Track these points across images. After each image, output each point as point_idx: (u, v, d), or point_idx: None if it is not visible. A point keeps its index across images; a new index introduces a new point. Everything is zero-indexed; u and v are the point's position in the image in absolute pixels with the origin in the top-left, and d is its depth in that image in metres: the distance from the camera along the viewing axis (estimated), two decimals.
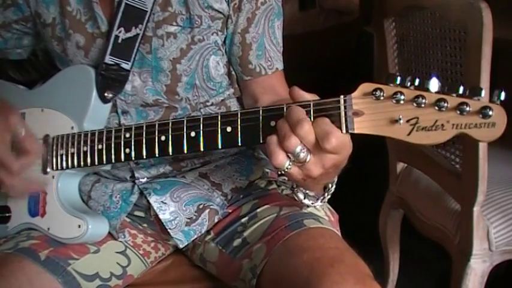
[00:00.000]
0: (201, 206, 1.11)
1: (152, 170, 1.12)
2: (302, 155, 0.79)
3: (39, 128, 1.07)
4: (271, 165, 0.84)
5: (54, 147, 1.05)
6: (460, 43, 1.31)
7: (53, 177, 1.06)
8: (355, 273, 0.88)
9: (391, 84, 0.77)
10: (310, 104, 0.81)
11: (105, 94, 1.06)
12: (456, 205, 1.46)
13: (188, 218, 1.11)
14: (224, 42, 1.11)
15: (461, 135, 0.74)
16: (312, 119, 0.80)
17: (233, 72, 1.15)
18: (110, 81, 1.06)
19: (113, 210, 1.12)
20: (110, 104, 1.07)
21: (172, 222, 1.10)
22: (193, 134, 0.90)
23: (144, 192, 1.11)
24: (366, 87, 0.78)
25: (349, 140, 0.81)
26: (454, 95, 0.74)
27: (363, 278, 0.88)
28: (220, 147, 0.88)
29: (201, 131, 0.89)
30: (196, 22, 1.05)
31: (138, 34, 1.04)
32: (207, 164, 1.15)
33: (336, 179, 0.89)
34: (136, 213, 1.15)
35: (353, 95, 0.79)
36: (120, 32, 1.04)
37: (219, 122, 0.87)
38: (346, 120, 0.79)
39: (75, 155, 1.02)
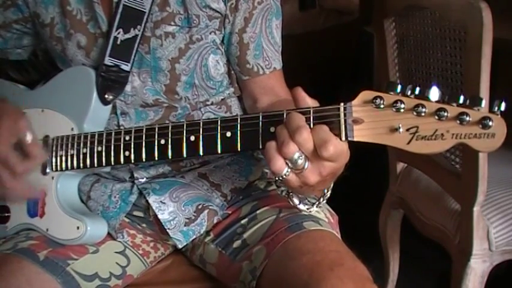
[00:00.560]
0: (200, 206, 1.11)
1: (151, 170, 1.12)
2: (300, 161, 0.79)
3: (39, 128, 1.07)
4: (269, 171, 0.84)
5: (54, 148, 1.05)
6: (460, 43, 1.31)
7: (53, 178, 1.06)
8: (355, 277, 0.88)
9: (392, 93, 0.77)
10: (310, 111, 0.81)
11: (106, 96, 1.06)
12: (456, 205, 1.46)
13: (187, 218, 1.10)
14: (223, 41, 1.10)
15: (460, 145, 0.74)
16: (312, 126, 0.80)
17: (233, 72, 1.15)
18: (110, 83, 1.06)
19: (112, 210, 1.12)
20: (110, 106, 1.07)
21: (171, 222, 1.10)
22: (192, 138, 0.89)
23: (143, 192, 1.11)
24: (366, 95, 0.78)
25: (347, 148, 0.81)
26: (454, 104, 0.74)
27: (362, 281, 0.88)
28: (219, 152, 0.88)
29: (201, 136, 0.89)
30: (194, 21, 1.05)
31: (136, 35, 1.04)
32: (206, 165, 1.14)
33: (331, 185, 0.88)
34: (136, 213, 1.15)
35: (353, 102, 0.79)
36: (119, 33, 1.04)
37: (219, 127, 0.87)
38: (345, 128, 0.79)
39: (75, 156, 1.02)
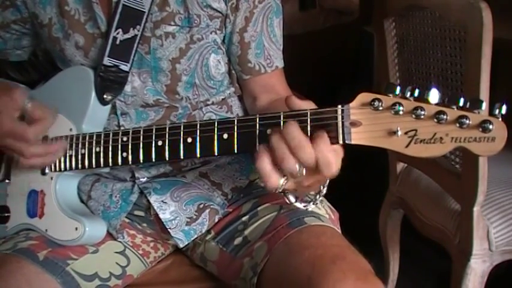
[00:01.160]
0: (201, 206, 1.11)
1: (152, 170, 1.12)
2: (299, 172, 0.79)
3: None
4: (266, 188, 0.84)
5: None
6: (460, 43, 1.31)
7: (51, 178, 1.06)
8: (357, 270, 0.88)
9: (390, 94, 0.76)
10: (307, 113, 0.80)
11: (104, 96, 1.05)
12: (456, 205, 1.46)
13: (188, 218, 1.10)
14: (223, 41, 1.10)
15: (460, 148, 0.73)
16: (310, 129, 0.79)
17: (233, 71, 1.15)
18: (109, 83, 1.05)
19: (113, 210, 1.12)
20: (109, 106, 1.07)
21: (173, 221, 1.10)
22: (189, 139, 0.89)
23: (144, 192, 1.11)
24: (364, 97, 0.77)
25: (342, 154, 0.80)
26: (454, 107, 0.73)
27: (364, 274, 0.88)
28: (216, 153, 0.87)
29: (198, 137, 0.88)
30: (195, 21, 1.05)
31: (136, 35, 1.04)
32: (207, 164, 1.14)
33: (327, 181, 0.88)
34: (136, 212, 1.15)
35: (351, 104, 0.78)
36: (118, 33, 1.04)
37: (216, 129, 0.87)
38: (343, 131, 0.78)
39: (73, 157, 1.02)
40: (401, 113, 0.75)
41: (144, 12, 1.04)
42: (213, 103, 1.14)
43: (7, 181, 1.12)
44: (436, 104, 0.74)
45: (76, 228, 1.03)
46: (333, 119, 0.79)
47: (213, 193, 1.13)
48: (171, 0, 1.05)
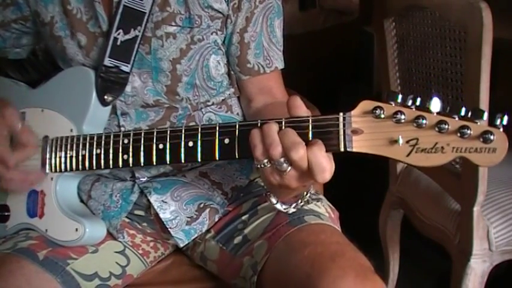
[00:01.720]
0: (201, 205, 1.11)
1: (152, 169, 1.12)
2: (284, 165, 0.79)
3: (39, 128, 1.07)
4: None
5: (53, 149, 1.05)
6: (460, 43, 1.31)
7: (52, 179, 1.06)
8: (356, 267, 0.88)
9: (392, 103, 0.76)
10: (308, 120, 0.80)
11: (105, 97, 1.05)
12: (456, 205, 1.46)
13: (189, 217, 1.11)
14: (224, 41, 1.10)
15: (461, 158, 0.74)
16: (311, 136, 0.80)
17: (233, 72, 1.15)
18: (110, 84, 1.05)
19: (114, 209, 1.12)
20: (109, 107, 1.07)
21: (173, 221, 1.10)
22: (191, 143, 0.89)
23: (145, 191, 1.11)
24: (366, 104, 0.77)
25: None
26: (456, 117, 0.73)
27: (364, 271, 0.88)
28: (217, 158, 0.87)
29: (199, 141, 0.88)
30: (196, 22, 1.05)
31: (137, 36, 1.04)
32: (207, 163, 1.14)
33: (311, 188, 0.88)
34: (136, 212, 1.15)
35: (352, 112, 0.78)
36: (118, 33, 1.04)
37: (217, 133, 0.87)
38: (344, 139, 0.78)
39: (74, 158, 1.02)
40: (402, 121, 0.75)
41: (145, 12, 1.04)
42: (213, 104, 1.13)
43: None
44: (438, 113, 0.74)
45: (76, 229, 1.03)
46: (335, 127, 0.79)
47: (213, 192, 1.13)
48: (172, 0, 1.04)
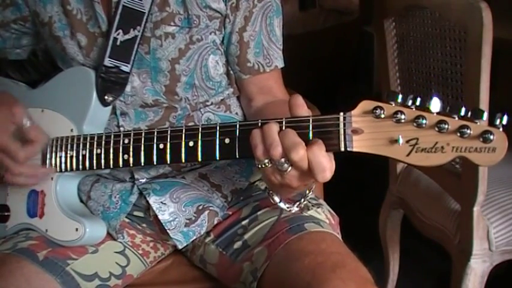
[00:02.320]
0: (200, 207, 1.11)
1: (152, 171, 1.12)
2: (285, 166, 0.79)
3: None
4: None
5: (54, 149, 1.05)
6: (460, 43, 1.31)
7: (52, 179, 1.06)
8: (357, 279, 0.88)
9: (392, 102, 0.76)
10: (309, 120, 0.80)
11: (105, 97, 1.05)
12: (456, 205, 1.46)
13: (187, 219, 1.10)
14: (222, 41, 1.10)
15: (461, 158, 0.74)
16: (311, 136, 0.80)
17: (232, 72, 1.15)
18: (110, 84, 1.05)
19: (113, 210, 1.12)
20: (109, 107, 1.07)
21: (172, 222, 1.10)
22: (191, 143, 0.89)
23: (144, 193, 1.11)
24: (366, 104, 0.78)
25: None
26: (455, 116, 0.73)
27: (364, 283, 0.89)
28: (218, 158, 0.87)
29: (200, 141, 0.88)
30: (195, 22, 1.05)
31: (136, 36, 1.04)
32: (207, 165, 1.14)
33: (313, 185, 0.88)
34: (136, 213, 1.15)
35: (353, 112, 0.78)
36: (118, 34, 1.04)
37: (218, 133, 0.87)
38: (344, 139, 0.78)
39: (74, 158, 1.02)
40: (403, 121, 0.75)
41: (144, 12, 1.04)
42: (212, 104, 1.13)
43: None
44: (438, 113, 0.74)
45: (76, 229, 1.03)
46: (335, 127, 0.79)
47: (213, 195, 1.13)
48: (171, 0, 1.04)
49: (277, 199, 0.89)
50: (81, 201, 1.13)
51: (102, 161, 0.99)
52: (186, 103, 1.10)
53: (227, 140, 0.86)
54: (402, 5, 1.53)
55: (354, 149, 0.78)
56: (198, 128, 0.89)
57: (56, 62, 1.17)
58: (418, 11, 1.47)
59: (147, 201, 1.11)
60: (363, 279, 0.89)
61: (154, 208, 1.10)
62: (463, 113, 0.73)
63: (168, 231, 1.10)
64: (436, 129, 0.74)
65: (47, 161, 1.05)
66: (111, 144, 0.98)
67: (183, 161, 0.90)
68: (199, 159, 0.89)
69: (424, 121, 0.74)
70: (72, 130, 1.05)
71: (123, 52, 1.04)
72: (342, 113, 0.79)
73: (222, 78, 1.14)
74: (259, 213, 1.08)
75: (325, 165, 0.77)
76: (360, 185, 2.50)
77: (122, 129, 1.09)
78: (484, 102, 1.24)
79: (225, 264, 1.07)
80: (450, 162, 0.74)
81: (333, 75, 3.06)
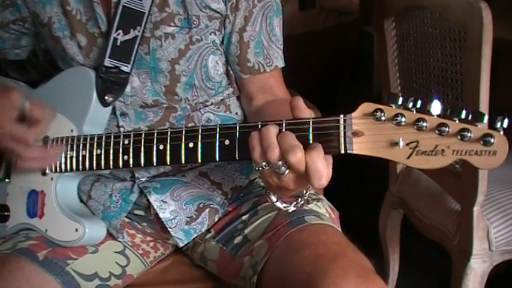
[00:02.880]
0: (201, 205, 1.11)
1: (152, 170, 1.12)
2: (282, 168, 0.79)
3: None
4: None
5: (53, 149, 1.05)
6: (460, 43, 1.31)
7: (52, 179, 1.06)
8: (357, 268, 0.88)
9: (393, 105, 0.76)
10: (309, 122, 0.80)
11: (106, 97, 1.05)
12: (456, 205, 1.46)
13: (188, 217, 1.11)
14: (222, 41, 1.10)
15: (461, 161, 0.74)
16: (311, 137, 0.80)
17: (231, 72, 1.15)
18: (110, 84, 1.05)
19: (113, 209, 1.12)
20: (110, 108, 1.07)
21: (173, 221, 1.10)
22: (191, 144, 0.89)
23: (144, 191, 1.11)
24: (366, 107, 0.77)
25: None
26: (456, 119, 0.73)
27: (365, 272, 0.88)
28: (218, 159, 0.87)
29: (199, 143, 0.88)
30: (194, 22, 1.05)
31: (136, 36, 1.04)
32: (207, 163, 1.14)
33: (310, 188, 0.87)
34: (136, 212, 1.15)
35: (353, 114, 0.78)
36: (118, 34, 1.04)
37: (218, 134, 0.87)
38: (345, 141, 0.78)
39: (74, 158, 1.02)
40: (403, 124, 0.75)
41: (144, 13, 1.04)
42: (211, 104, 1.13)
43: (7, 180, 1.12)
44: (438, 116, 0.74)
45: (76, 230, 1.03)
46: (335, 129, 0.79)
47: (213, 192, 1.13)
48: (170, 1, 1.04)
49: (274, 198, 0.89)
50: (81, 201, 1.13)
51: (102, 162, 0.99)
52: (186, 103, 1.10)
53: (227, 142, 0.86)
54: (402, 5, 1.53)
55: (354, 152, 0.78)
56: (198, 130, 0.89)
57: (57, 62, 1.17)
58: (418, 11, 1.47)
59: (148, 200, 1.11)
60: (363, 269, 0.89)
61: (155, 206, 1.10)
62: (463, 115, 0.73)
63: (169, 229, 1.10)
64: (437, 132, 0.73)
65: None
66: (111, 145, 0.98)
67: (183, 162, 0.90)
68: (199, 161, 0.89)
69: (424, 124, 0.74)
70: (72, 130, 1.05)
71: (123, 52, 1.04)
72: (342, 115, 0.79)
73: (222, 78, 1.14)
74: (259, 208, 1.08)
75: (322, 172, 0.77)
76: (360, 185, 2.50)
77: (122, 129, 1.09)
78: (484, 102, 1.24)
79: (226, 260, 1.07)
80: (450, 163, 0.74)
81: (333, 75, 3.06)
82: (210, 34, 1.07)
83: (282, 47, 1.13)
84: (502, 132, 0.72)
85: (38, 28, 1.16)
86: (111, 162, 0.98)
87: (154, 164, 0.94)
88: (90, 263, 1.06)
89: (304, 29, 3.03)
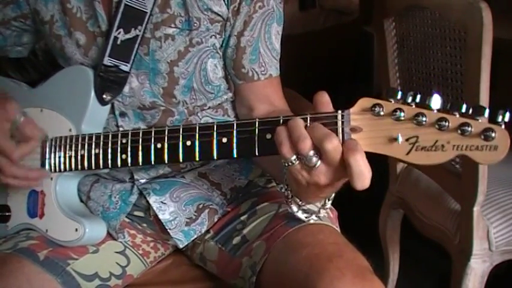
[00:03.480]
0: (200, 206, 1.11)
1: (151, 171, 1.12)
2: (314, 159, 0.77)
3: None
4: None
5: (53, 149, 1.05)
6: (460, 43, 1.31)
7: (51, 179, 1.06)
8: (354, 268, 0.88)
9: (391, 100, 0.74)
10: (307, 118, 0.79)
11: (104, 96, 1.05)
12: (456, 205, 1.46)
13: (188, 218, 1.11)
14: (222, 45, 1.09)
15: (461, 156, 0.72)
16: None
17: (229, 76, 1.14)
18: (109, 83, 1.05)
19: (112, 210, 1.12)
20: (108, 106, 1.07)
21: (172, 222, 1.10)
22: (189, 143, 0.89)
23: (144, 193, 1.11)
24: (365, 102, 0.76)
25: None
26: (456, 113, 0.71)
27: (362, 272, 0.88)
28: (215, 157, 0.87)
29: (197, 141, 0.88)
30: (195, 24, 1.04)
31: (137, 35, 1.04)
32: (206, 164, 1.14)
33: (332, 195, 0.87)
34: (136, 213, 1.15)
35: (351, 110, 0.77)
36: (119, 33, 1.04)
37: (215, 133, 0.87)
38: (343, 137, 0.77)
39: (73, 158, 1.02)
40: (402, 119, 0.74)
41: (146, 12, 1.03)
42: (209, 108, 1.13)
43: None
44: (438, 111, 0.72)
45: (76, 229, 1.03)
46: (333, 125, 0.78)
47: (212, 193, 1.13)
48: (172, 2, 1.04)
49: (295, 208, 0.88)
50: (81, 201, 1.13)
51: (101, 161, 0.99)
52: (184, 107, 1.09)
53: (224, 140, 0.86)
54: (402, 5, 1.53)
55: None
56: (196, 128, 0.89)
57: (57, 61, 1.17)
58: (418, 11, 1.47)
59: (147, 201, 1.11)
60: (360, 268, 0.89)
61: (154, 208, 1.10)
62: (463, 110, 0.71)
63: (168, 230, 1.10)
64: (437, 126, 0.72)
65: (46, 161, 1.05)
66: (109, 144, 0.98)
67: (181, 160, 0.90)
68: (197, 159, 0.89)
69: (424, 119, 0.72)
70: (70, 130, 1.05)
71: (123, 51, 1.04)
72: (340, 111, 0.78)
73: (221, 82, 1.12)
74: (257, 207, 1.08)
75: (366, 174, 0.75)
76: None
77: (121, 129, 1.09)
78: (484, 102, 1.24)
79: (225, 260, 1.07)
80: (450, 162, 0.73)
81: (333, 75, 3.06)
82: (211, 37, 1.06)
83: (278, 57, 1.10)
84: (503, 127, 0.70)
85: (38, 25, 1.16)
86: (109, 162, 0.98)
87: (152, 163, 0.94)
88: (91, 263, 1.06)
89: (304, 29, 3.02)
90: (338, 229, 1.06)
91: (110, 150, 0.98)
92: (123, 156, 0.96)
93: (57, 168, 1.04)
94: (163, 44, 1.05)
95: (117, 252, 1.12)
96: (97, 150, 0.99)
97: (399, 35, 1.60)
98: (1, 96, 1.05)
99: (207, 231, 1.12)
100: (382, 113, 0.75)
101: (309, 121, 0.79)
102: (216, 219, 1.12)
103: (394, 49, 1.63)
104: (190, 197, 1.11)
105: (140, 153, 0.94)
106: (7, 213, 1.11)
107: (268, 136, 0.82)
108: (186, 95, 1.09)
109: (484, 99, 1.24)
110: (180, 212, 1.10)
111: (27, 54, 1.28)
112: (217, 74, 1.10)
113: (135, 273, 1.14)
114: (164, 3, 1.04)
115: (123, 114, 1.09)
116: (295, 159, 0.79)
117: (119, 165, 0.98)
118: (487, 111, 0.71)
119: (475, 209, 1.36)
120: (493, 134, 0.70)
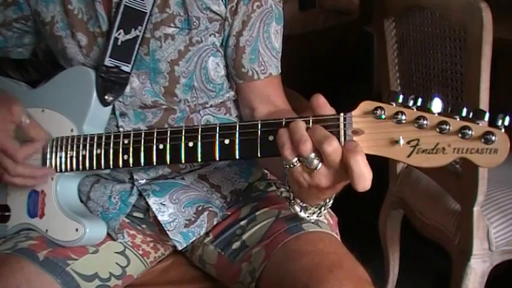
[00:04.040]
0: (200, 208, 1.11)
1: (151, 172, 1.12)
2: (315, 162, 0.78)
3: None
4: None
5: (54, 149, 1.05)
6: (460, 43, 1.31)
7: (52, 179, 1.06)
8: (354, 279, 0.88)
9: (393, 103, 0.75)
10: (309, 120, 0.80)
11: (105, 97, 1.05)
12: (456, 205, 1.46)
13: (187, 220, 1.10)
14: (222, 44, 1.10)
15: (462, 159, 0.73)
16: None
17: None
18: (110, 84, 1.05)
19: (112, 211, 1.12)
20: (110, 107, 1.07)
21: (171, 223, 1.10)
22: (191, 144, 0.89)
23: (143, 194, 1.11)
24: (366, 105, 0.77)
25: None
26: (457, 117, 0.73)
27: (361, 284, 0.88)
28: (217, 158, 0.87)
29: (199, 142, 0.88)
30: (194, 23, 1.05)
31: (137, 36, 1.04)
32: (206, 166, 1.14)
33: (333, 195, 0.87)
34: (135, 214, 1.15)
35: (353, 113, 0.78)
36: (119, 34, 1.04)
37: (217, 134, 0.87)
38: (345, 139, 0.78)
39: (74, 158, 1.02)
40: (403, 122, 0.74)
41: (146, 13, 1.03)
42: (211, 106, 1.13)
43: None
44: (439, 114, 0.73)
45: (76, 229, 1.03)
46: (335, 127, 0.78)
47: (212, 195, 1.13)
48: (171, 2, 1.04)
49: (297, 208, 0.88)
50: (81, 201, 1.13)
51: (102, 162, 0.99)
52: (185, 105, 1.10)
53: (227, 141, 0.86)
54: (402, 5, 1.53)
55: None
56: (198, 129, 0.89)
57: (58, 61, 1.17)
58: (418, 11, 1.47)
59: (147, 202, 1.11)
60: (360, 280, 0.89)
61: (153, 209, 1.10)
62: (464, 113, 0.72)
63: (167, 232, 1.10)
64: (437, 130, 0.73)
65: (47, 161, 1.05)
66: (111, 144, 0.98)
67: (183, 161, 0.91)
68: (199, 160, 0.89)
69: (425, 122, 0.73)
70: (72, 130, 1.05)
71: (124, 52, 1.04)
72: (342, 114, 0.79)
73: (223, 81, 1.13)
74: (257, 213, 1.08)
75: (367, 175, 0.75)
76: None
77: (121, 129, 1.09)
78: (484, 102, 1.24)
79: (224, 265, 1.07)
80: (450, 163, 0.74)
81: (333, 75, 3.06)
82: (210, 36, 1.06)
83: (278, 56, 1.10)
84: (503, 130, 0.71)
85: (39, 27, 1.16)
86: (111, 162, 0.98)
87: (154, 164, 0.94)
88: (91, 263, 1.06)
89: (304, 29, 3.02)
90: (338, 236, 1.06)
91: (111, 151, 0.98)
92: (125, 156, 0.96)
93: (58, 168, 1.04)
94: (163, 44, 1.05)
95: (116, 253, 1.12)
96: (99, 151, 1.00)
97: (399, 35, 1.60)
98: (6, 98, 1.06)
99: (207, 235, 1.12)
100: (383, 116, 0.76)
101: (311, 123, 0.80)
102: (215, 222, 1.12)
103: (394, 49, 1.63)
104: (189, 198, 1.11)
105: (142, 154, 0.95)
106: (7, 213, 1.11)
107: (271, 138, 0.83)
108: (187, 93, 1.09)
109: (484, 99, 1.24)
110: (179, 213, 1.10)
111: (28, 55, 1.28)
112: (219, 73, 1.10)
113: (135, 274, 1.14)
114: (163, 3, 1.04)
115: (123, 115, 1.09)
116: (296, 162, 0.79)
117: (121, 166, 0.98)
118: (487, 115, 0.72)
119: (475, 209, 1.36)
120: (493, 138, 0.71)
